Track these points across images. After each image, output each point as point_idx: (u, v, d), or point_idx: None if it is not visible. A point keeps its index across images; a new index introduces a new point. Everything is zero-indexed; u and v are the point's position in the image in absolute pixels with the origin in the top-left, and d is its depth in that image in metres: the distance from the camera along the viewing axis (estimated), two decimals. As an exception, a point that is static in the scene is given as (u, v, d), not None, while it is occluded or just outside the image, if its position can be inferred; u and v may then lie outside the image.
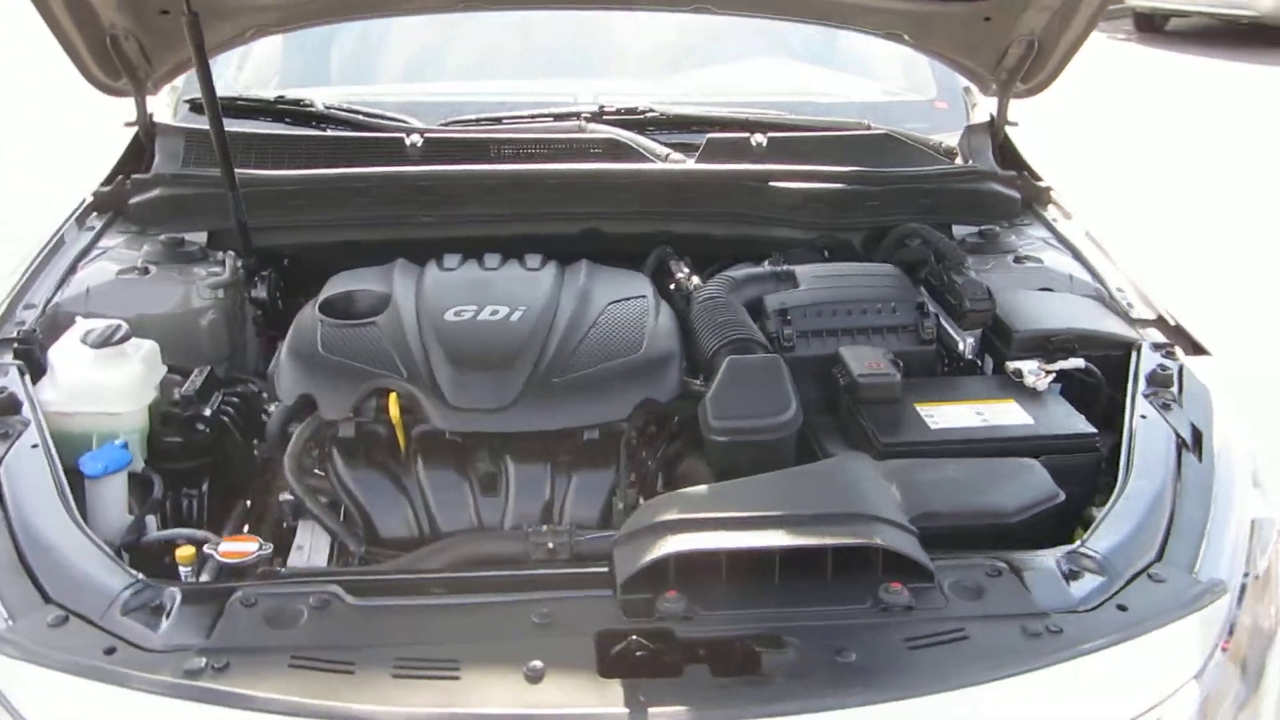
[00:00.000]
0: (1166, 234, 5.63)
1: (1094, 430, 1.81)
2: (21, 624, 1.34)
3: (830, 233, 2.48)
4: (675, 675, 1.30)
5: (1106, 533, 1.56)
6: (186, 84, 2.77)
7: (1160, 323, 2.12)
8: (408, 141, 2.48)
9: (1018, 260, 2.33)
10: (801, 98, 2.86)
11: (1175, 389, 1.89)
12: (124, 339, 1.93)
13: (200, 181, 2.42)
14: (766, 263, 2.29)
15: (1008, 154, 2.71)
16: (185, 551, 1.53)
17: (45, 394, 1.84)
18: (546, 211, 2.41)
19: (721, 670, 1.31)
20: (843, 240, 2.49)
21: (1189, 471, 1.71)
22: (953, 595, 1.43)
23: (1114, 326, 2.09)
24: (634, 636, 1.33)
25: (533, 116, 2.62)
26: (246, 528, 1.98)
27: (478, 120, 2.62)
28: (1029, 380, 1.93)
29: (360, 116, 2.60)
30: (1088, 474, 1.78)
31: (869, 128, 2.64)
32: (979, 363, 2.08)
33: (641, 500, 1.81)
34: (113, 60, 2.39)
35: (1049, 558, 1.51)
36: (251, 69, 3.01)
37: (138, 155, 2.60)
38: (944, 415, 1.85)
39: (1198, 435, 1.79)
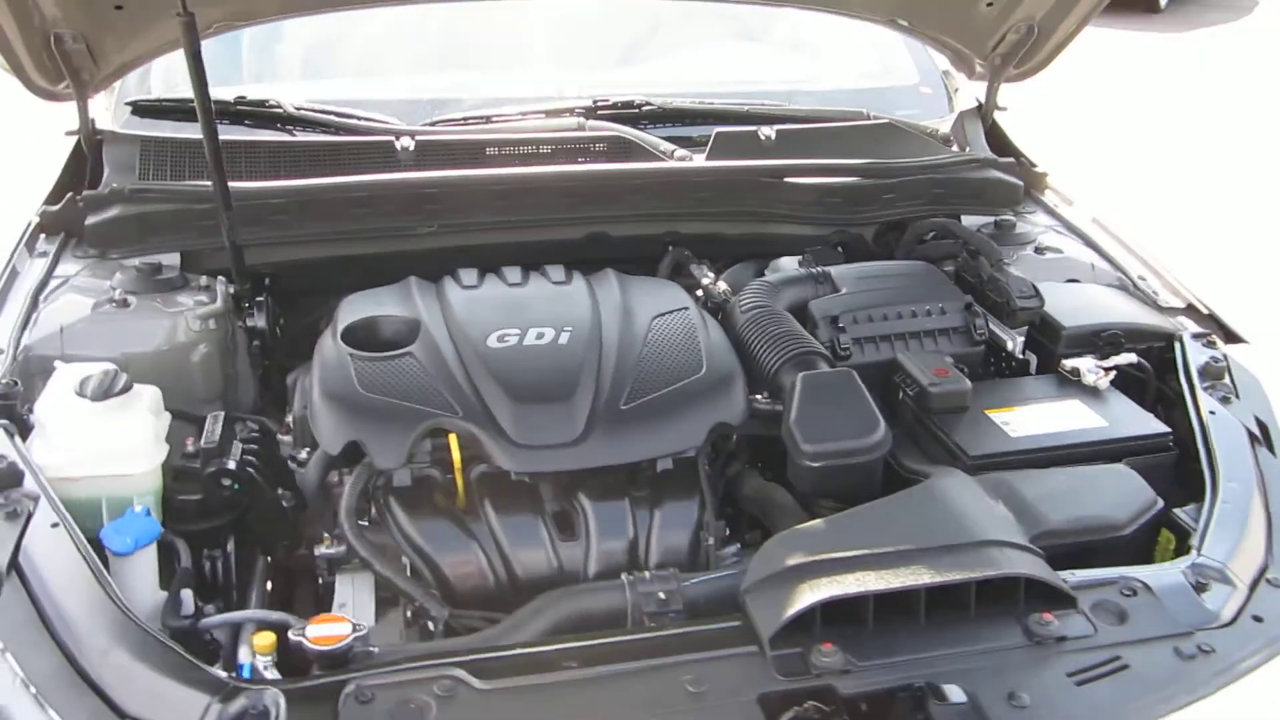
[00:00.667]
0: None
1: (1169, 430, 1.80)
2: None
3: (844, 228, 2.41)
4: None
5: (1217, 540, 1.55)
6: (124, 86, 2.48)
7: (1192, 310, 2.13)
8: (398, 145, 2.28)
9: (1038, 251, 2.31)
10: (789, 86, 2.76)
11: (1229, 381, 1.90)
12: (126, 389, 1.71)
13: (166, 196, 2.17)
14: (796, 263, 2.20)
15: (997, 139, 2.69)
16: (265, 641, 1.34)
17: (41, 456, 1.61)
18: (556, 217, 2.26)
19: None
20: (855, 235, 2.43)
21: (1267, 467, 1.71)
22: (1098, 620, 1.39)
23: (1152, 318, 2.09)
24: (809, 702, 1.23)
25: (524, 114, 2.45)
26: (270, 585, 1.80)
27: (465, 120, 2.43)
28: (1088, 379, 1.91)
29: (338, 118, 2.37)
30: (1165, 475, 1.77)
31: (869, 117, 2.58)
32: (1029, 361, 2.05)
33: (727, 530, 1.71)
34: (55, 62, 2.11)
35: (1174, 571, 1.49)
36: (161, 67, 2.67)
37: (80, 167, 2.32)
38: (1018, 421, 1.81)
39: (1263, 428, 1.80)
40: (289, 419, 1.94)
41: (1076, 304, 2.08)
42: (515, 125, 2.42)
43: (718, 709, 1.24)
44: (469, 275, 2.01)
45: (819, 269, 2.12)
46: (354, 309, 1.90)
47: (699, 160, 2.35)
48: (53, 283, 2.05)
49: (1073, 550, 1.54)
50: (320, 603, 1.78)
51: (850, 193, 2.38)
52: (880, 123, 2.55)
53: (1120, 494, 1.63)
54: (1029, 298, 2.01)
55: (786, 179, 2.34)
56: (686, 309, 1.93)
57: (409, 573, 1.62)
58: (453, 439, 1.65)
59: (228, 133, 2.38)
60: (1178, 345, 2.00)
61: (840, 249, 2.39)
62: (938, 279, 2.11)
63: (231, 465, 1.71)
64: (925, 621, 1.37)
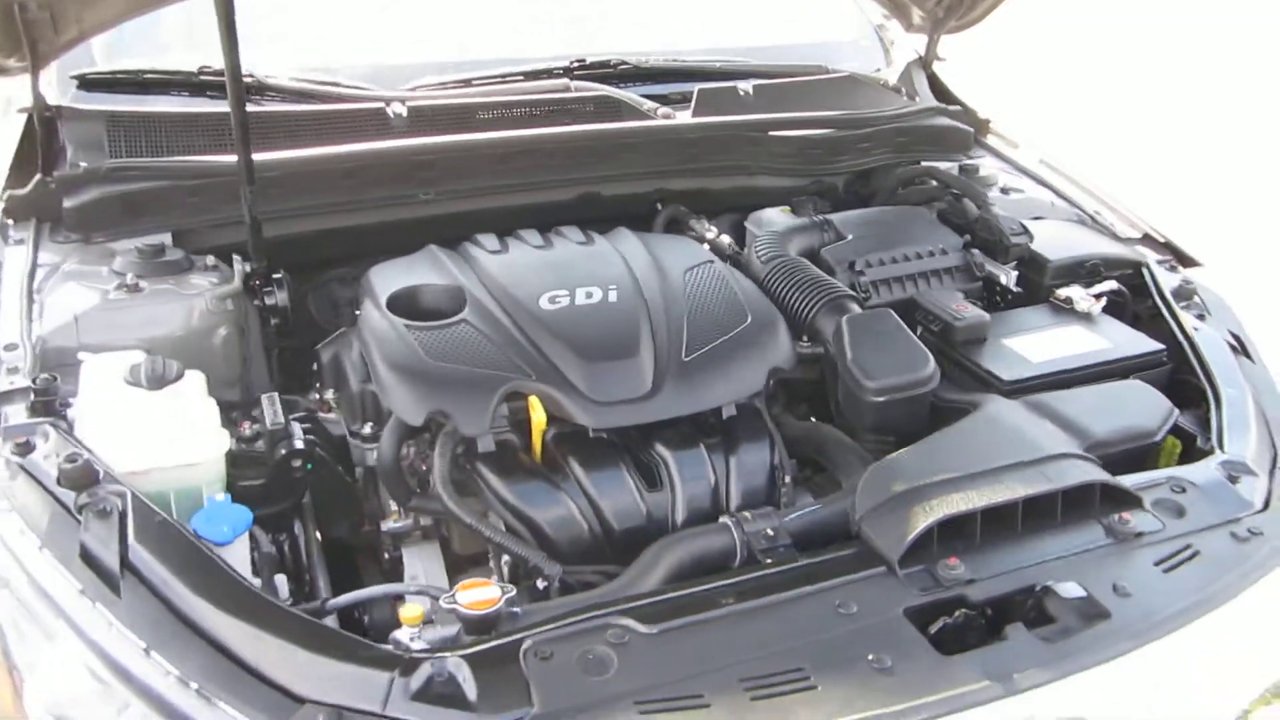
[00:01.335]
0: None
1: (1162, 346, 1.99)
2: None
3: (819, 178, 2.51)
4: (1001, 639, 1.33)
5: (1234, 438, 1.74)
6: (64, 59, 2.30)
7: (1148, 240, 2.34)
8: (390, 112, 2.22)
9: (1004, 191, 2.48)
10: (743, 42, 2.83)
11: (1199, 300, 2.11)
12: (179, 375, 1.64)
13: (148, 173, 2.05)
14: (777, 214, 2.30)
15: (937, 90, 2.84)
16: (412, 612, 1.34)
17: (101, 452, 1.52)
18: (550, 179, 2.27)
19: (1035, 625, 1.35)
20: (829, 185, 2.53)
21: (1249, 374, 1.93)
22: (1162, 516, 1.55)
23: (1118, 248, 2.28)
24: (960, 611, 1.34)
25: (504, 76, 2.43)
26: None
27: (445, 84, 2.39)
28: (1081, 306, 2.08)
29: (319, 87, 2.29)
30: (1160, 388, 1.95)
31: (828, 71, 2.68)
32: (1021, 294, 2.21)
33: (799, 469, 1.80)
34: (16, 33, 1.96)
35: (1209, 468, 1.67)
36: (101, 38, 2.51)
37: (33, 146, 2.15)
38: (1034, 348, 1.96)
39: (1238, 339, 2.01)
40: (326, 396, 1.90)
41: (1053, 238, 2.25)
42: (499, 88, 2.39)
43: (873, 626, 1.33)
44: (490, 240, 2.00)
45: (821, 217, 2.22)
46: (388, 279, 1.87)
47: (685, 117, 2.40)
48: (40, 271, 1.92)
49: (1116, 458, 1.70)
50: (388, 578, 1.77)
51: (831, 144, 2.48)
52: (842, 76, 2.66)
53: (1144, 405, 1.80)
54: (1019, 234, 2.17)
55: (771, 132, 2.42)
56: (712, 262, 1.99)
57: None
58: (533, 400, 1.66)
59: (196, 105, 2.28)
60: (1146, 271, 2.20)
61: (820, 199, 2.50)
62: (931, 222, 2.24)
63: (299, 445, 1.67)
64: (1021, 530, 1.50)
